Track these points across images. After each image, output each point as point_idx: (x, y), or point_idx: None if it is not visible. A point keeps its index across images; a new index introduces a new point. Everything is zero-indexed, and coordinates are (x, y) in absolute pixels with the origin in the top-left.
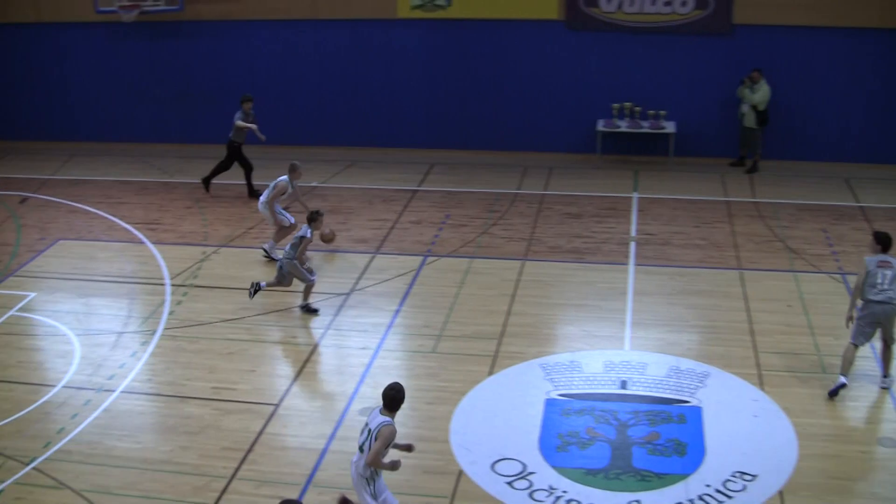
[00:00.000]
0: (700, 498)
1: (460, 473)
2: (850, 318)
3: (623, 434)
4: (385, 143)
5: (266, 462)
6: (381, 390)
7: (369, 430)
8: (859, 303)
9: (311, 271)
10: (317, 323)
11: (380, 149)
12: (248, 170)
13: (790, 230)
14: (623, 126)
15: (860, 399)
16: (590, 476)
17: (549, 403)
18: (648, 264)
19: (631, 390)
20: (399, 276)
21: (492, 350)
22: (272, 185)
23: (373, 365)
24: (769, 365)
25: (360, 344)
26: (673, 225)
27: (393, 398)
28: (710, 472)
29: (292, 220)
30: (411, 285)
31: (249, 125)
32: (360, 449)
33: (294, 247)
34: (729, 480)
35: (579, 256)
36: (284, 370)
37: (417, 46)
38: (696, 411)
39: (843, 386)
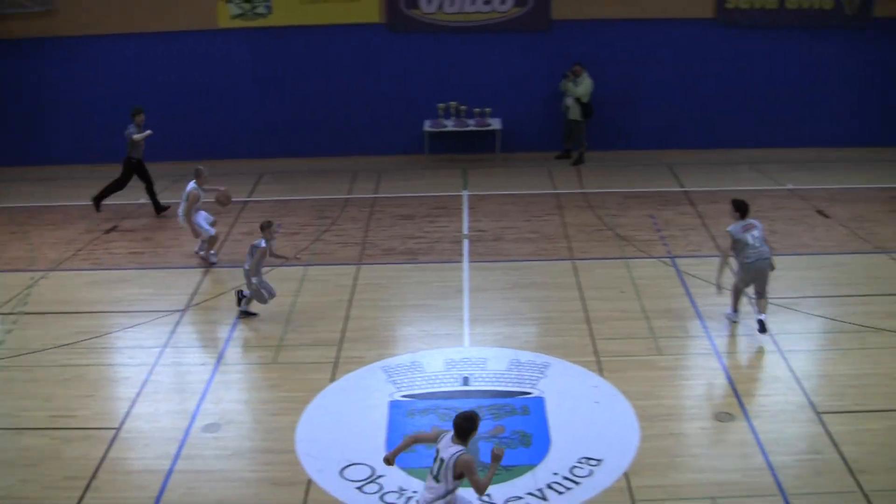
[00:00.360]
0: (549, 486)
1: (309, 483)
2: (719, 287)
3: None
4: (212, 155)
5: (110, 488)
6: (223, 405)
7: (442, 460)
8: (735, 267)
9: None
10: (154, 342)
11: (207, 161)
12: (148, 184)
13: (618, 218)
14: (449, 125)
15: (696, 378)
16: None
17: (394, 405)
18: (482, 261)
19: (473, 386)
20: (236, 288)
21: (332, 356)
22: (184, 195)
23: (213, 380)
24: (607, 351)
25: (200, 360)
26: (504, 220)
27: (462, 428)
28: (556, 461)
29: (212, 232)
30: None
31: (145, 134)
32: (436, 478)
33: (252, 257)
34: (575, 467)
35: (413, 257)
36: (124, 392)
37: (240, 56)
38: (539, 402)
39: (761, 322)
